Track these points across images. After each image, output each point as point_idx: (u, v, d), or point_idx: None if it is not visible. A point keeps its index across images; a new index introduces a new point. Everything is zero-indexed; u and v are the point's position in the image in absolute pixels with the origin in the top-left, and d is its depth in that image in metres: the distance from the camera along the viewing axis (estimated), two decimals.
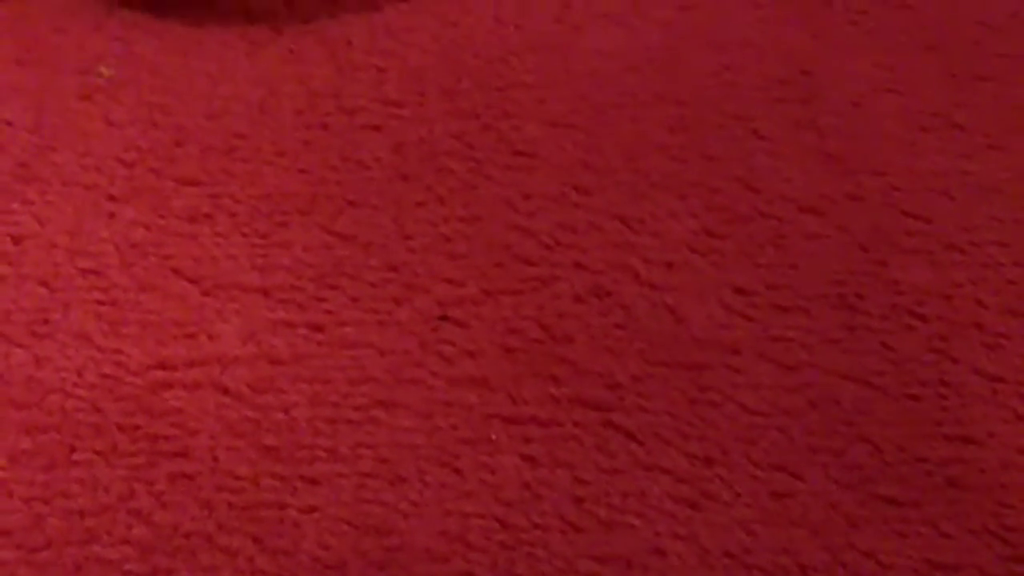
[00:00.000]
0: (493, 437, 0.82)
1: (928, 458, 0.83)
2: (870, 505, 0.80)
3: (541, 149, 1.03)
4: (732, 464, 0.82)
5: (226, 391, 0.84)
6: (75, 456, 0.80)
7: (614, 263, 0.94)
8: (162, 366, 0.85)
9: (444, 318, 0.90)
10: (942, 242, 0.97)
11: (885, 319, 0.91)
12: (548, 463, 0.81)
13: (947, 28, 1.17)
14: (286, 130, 1.03)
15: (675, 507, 0.79)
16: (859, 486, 0.81)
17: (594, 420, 0.84)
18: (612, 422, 0.83)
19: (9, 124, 1.00)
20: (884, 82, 1.11)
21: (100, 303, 0.88)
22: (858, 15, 1.18)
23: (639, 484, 0.80)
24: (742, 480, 0.81)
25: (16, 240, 0.92)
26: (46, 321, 0.87)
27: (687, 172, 1.02)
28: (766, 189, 1.01)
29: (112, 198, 0.96)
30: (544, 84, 1.09)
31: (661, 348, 0.88)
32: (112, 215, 0.94)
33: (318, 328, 0.88)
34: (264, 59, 1.09)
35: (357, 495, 0.79)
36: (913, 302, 0.92)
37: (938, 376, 0.87)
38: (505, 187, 0.99)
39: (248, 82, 1.07)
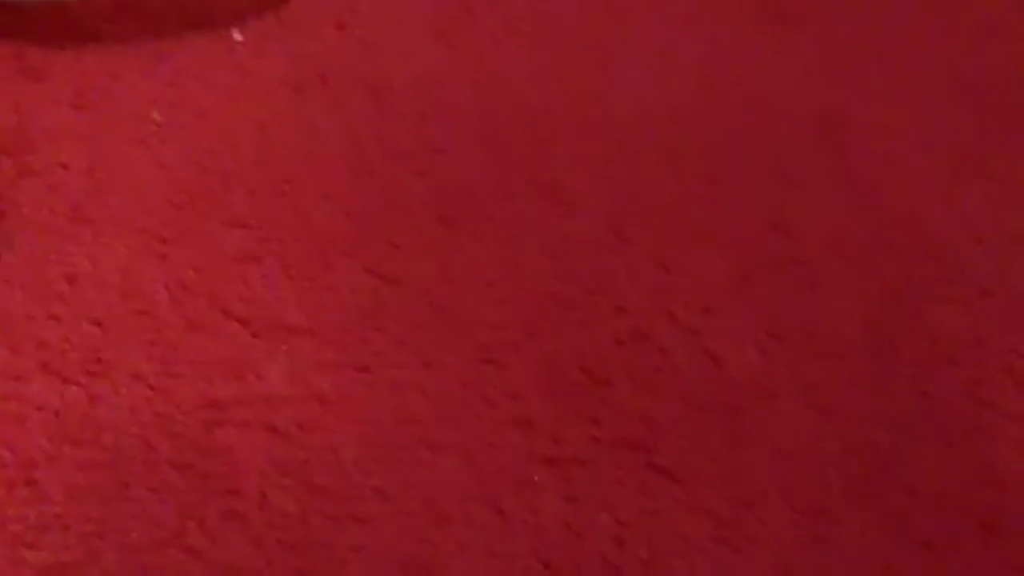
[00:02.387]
0: (536, 478, 0.84)
1: (964, 503, 0.84)
2: (907, 549, 0.81)
3: (580, 196, 1.05)
4: (771, 506, 0.83)
5: (275, 430, 0.86)
6: (129, 492, 0.82)
7: (653, 307, 0.96)
8: (212, 405, 0.87)
9: (487, 360, 0.91)
10: (975, 289, 0.99)
11: (919, 365, 0.93)
12: (590, 504, 0.83)
13: (980, 79, 1.19)
14: (332, 175, 1.05)
15: (715, 549, 0.81)
16: (896, 530, 0.82)
17: (635, 461, 0.85)
18: (653, 463, 0.85)
19: (64, 167, 1.02)
20: (917, 131, 1.13)
21: (152, 343, 0.91)
22: (891, 64, 1.20)
23: (680, 525, 0.82)
24: (781, 523, 0.82)
25: (71, 280, 0.94)
26: (99, 360, 0.89)
27: (723, 219, 1.04)
28: (800, 236, 1.03)
29: (163, 240, 0.98)
30: (583, 132, 1.11)
31: (699, 391, 0.90)
32: (163, 256, 0.97)
33: (364, 369, 0.90)
34: (309, 105, 1.11)
35: (403, 534, 0.80)
36: (947, 348, 0.94)
37: (973, 421, 0.89)
38: (545, 233, 1.01)
39: (294, 127, 1.09)
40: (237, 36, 1.16)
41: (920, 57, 1.22)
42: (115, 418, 0.86)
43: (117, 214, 1.00)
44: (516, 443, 0.86)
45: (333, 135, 1.09)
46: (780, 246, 1.01)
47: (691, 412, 0.89)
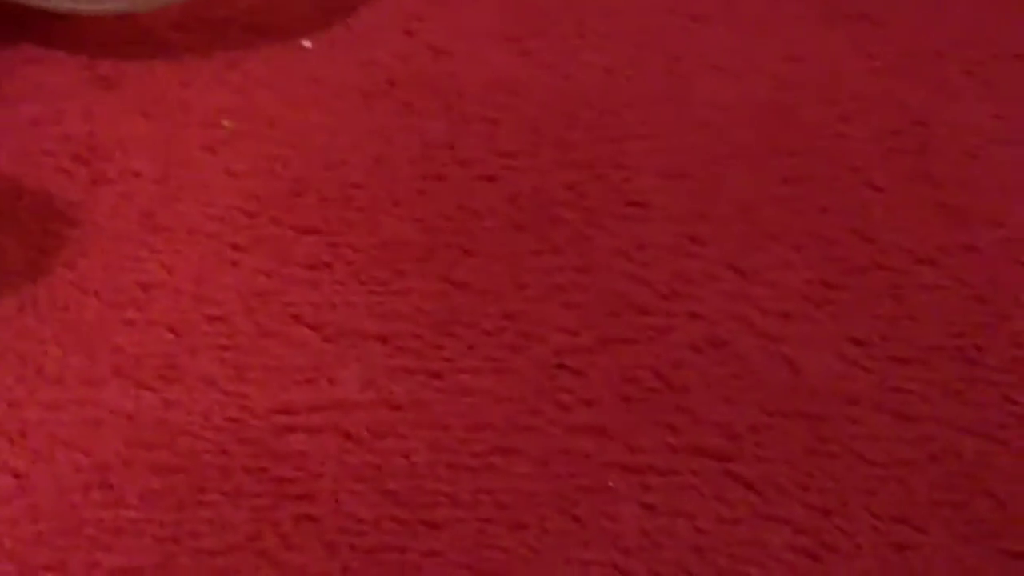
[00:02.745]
0: (611, 485, 0.83)
1: None
2: (993, 559, 0.79)
3: (654, 199, 1.03)
4: (852, 515, 0.81)
5: (347, 435, 0.85)
6: (203, 497, 0.81)
7: (730, 313, 0.94)
8: (285, 410, 0.87)
9: (560, 366, 0.90)
10: None
11: (1005, 372, 0.90)
12: (667, 512, 0.81)
13: None
14: (402, 180, 1.05)
15: (795, 558, 0.79)
16: (981, 540, 0.80)
17: (712, 469, 0.84)
18: (731, 471, 0.83)
19: (137, 175, 1.03)
20: (999, 133, 1.11)
21: (225, 348, 0.91)
22: (973, 66, 1.17)
23: (758, 534, 0.80)
24: (862, 532, 0.80)
25: (144, 287, 0.95)
26: (174, 366, 0.89)
27: (801, 223, 1.02)
28: (881, 240, 1.00)
29: (235, 247, 0.98)
30: (656, 135, 1.10)
31: (778, 398, 0.88)
32: (235, 263, 0.97)
33: (436, 375, 0.89)
34: (379, 111, 1.11)
35: (478, 540, 0.80)
36: None
37: None
38: (619, 237, 1.00)
39: (364, 133, 1.09)
40: (306, 44, 1.16)
41: (1002, 57, 1.19)
42: (189, 423, 0.86)
43: (189, 221, 1.00)
44: (591, 450, 0.85)
45: (403, 141, 1.09)
46: (860, 250, 0.99)
47: (769, 419, 0.87)
